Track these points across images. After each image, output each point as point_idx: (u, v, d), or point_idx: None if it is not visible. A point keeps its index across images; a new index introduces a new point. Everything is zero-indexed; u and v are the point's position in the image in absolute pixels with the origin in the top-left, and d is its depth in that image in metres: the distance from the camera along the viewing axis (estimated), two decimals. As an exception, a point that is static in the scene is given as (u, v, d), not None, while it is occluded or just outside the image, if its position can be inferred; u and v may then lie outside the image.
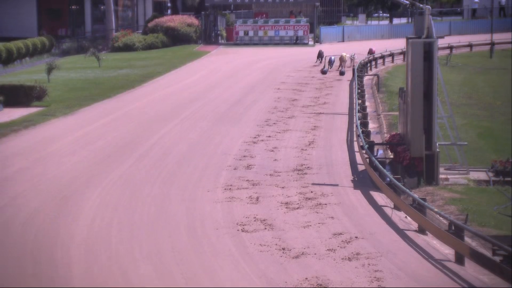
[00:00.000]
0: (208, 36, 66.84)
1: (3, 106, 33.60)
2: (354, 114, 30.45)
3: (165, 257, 15.93)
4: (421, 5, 25.10)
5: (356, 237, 17.24)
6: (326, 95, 38.31)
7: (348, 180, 22.66)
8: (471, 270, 15.38)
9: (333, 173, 23.30)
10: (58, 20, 67.18)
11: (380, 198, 20.70)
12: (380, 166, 21.62)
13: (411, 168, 23.03)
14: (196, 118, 31.74)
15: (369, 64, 48.53)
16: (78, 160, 24.45)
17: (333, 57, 47.55)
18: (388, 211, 19.43)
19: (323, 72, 44.88)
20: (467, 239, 16.29)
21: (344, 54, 47.42)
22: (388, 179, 20.36)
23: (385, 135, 28.87)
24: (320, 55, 50.31)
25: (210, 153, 25.57)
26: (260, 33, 65.21)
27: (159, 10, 79.04)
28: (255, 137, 27.98)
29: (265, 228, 17.85)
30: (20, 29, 63.02)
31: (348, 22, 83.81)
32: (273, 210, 19.36)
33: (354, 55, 48.43)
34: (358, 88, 35.88)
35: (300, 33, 65.31)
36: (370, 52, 50.68)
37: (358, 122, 27.40)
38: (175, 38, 64.49)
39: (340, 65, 46.67)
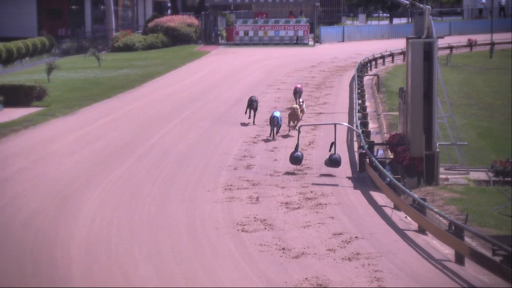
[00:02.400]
0: (208, 36, 66.84)
1: (3, 106, 33.60)
2: (354, 114, 30.45)
3: (165, 257, 15.93)
4: (421, 5, 25.10)
5: (356, 237, 17.25)
6: (326, 95, 38.30)
7: (348, 180, 22.66)
8: (471, 270, 15.38)
9: (333, 173, 23.29)
10: (58, 20, 67.18)
11: (380, 198, 20.70)
12: (380, 166, 21.62)
13: (411, 168, 23.03)
14: (196, 118, 31.74)
15: (369, 64, 48.53)
16: (78, 160, 24.45)
17: (278, 114, 28.17)
18: (388, 211, 19.43)
19: (295, 159, 23.88)
20: (467, 239, 16.29)
21: (295, 105, 29.13)
22: (388, 179, 20.36)
23: (385, 135, 28.86)
24: (250, 105, 30.76)
25: (210, 153, 25.57)
26: (260, 33, 65.22)
27: (159, 10, 79.05)
28: (255, 137, 27.97)
29: (265, 228, 17.85)
30: (20, 29, 63.01)
31: (348, 22, 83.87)
32: (273, 210, 19.36)
33: (303, 102, 30.72)
34: (358, 88, 35.87)
35: (300, 33, 65.31)
36: (296, 91, 33.01)
37: (358, 122, 27.39)
38: (175, 38, 64.50)
39: (290, 124, 29.07)
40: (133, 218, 18.62)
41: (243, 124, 30.60)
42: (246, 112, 30.93)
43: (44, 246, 16.58)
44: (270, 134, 28.17)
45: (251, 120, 30.69)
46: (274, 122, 27.98)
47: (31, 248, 16.47)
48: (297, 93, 33.18)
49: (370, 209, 19.71)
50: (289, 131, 28.75)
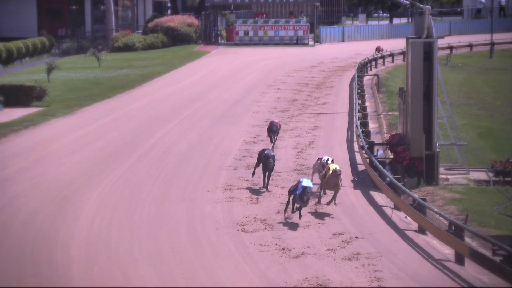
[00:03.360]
0: (208, 36, 66.84)
1: (3, 106, 33.59)
2: (354, 114, 30.45)
3: (165, 257, 15.93)
4: (421, 5, 25.09)
5: (356, 237, 17.26)
6: (326, 95, 38.30)
7: (348, 180, 22.65)
8: (471, 270, 15.39)
9: (333, 173, 23.25)
10: (58, 20, 67.17)
11: (380, 198, 20.69)
12: (380, 166, 21.61)
13: (411, 168, 23.03)
14: (196, 118, 31.73)
15: (369, 64, 48.52)
16: (78, 160, 24.45)
17: (309, 183, 18.22)
18: (388, 211, 19.42)
19: None
20: (467, 239, 16.30)
21: (335, 165, 19.67)
22: (388, 179, 20.35)
23: (385, 135, 28.87)
24: (265, 164, 21.03)
25: (210, 153, 25.56)
26: (260, 33, 65.22)
27: (159, 10, 79.04)
28: (255, 137, 27.96)
29: (265, 228, 17.85)
30: (20, 29, 62.99)
31: (348, 22, 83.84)
32: (273, 210, 19.34)
33: (329, 160, 20.68)
34: (358, 88, 35.87)
35: (300, 33, 65.31)
36: (271, 128, 25.74)
37: (358, 122, 27.39)
38: (175, 38, 64.49)
39: (326, 193, 20.15)
40: (133, 218, 18.62)
41: (252, 190, 21.18)
42: (254, 173, 21.71)
43: (44, 247, 16.58)
44: (285, 210, 18.63)
45: (262, 183, 21.28)
46: (303, 198, 18.01)
47: (31, 249, 16.47)
48: (272, 128, 25.74)
49: (370, 209, 19.71)
50: (319, 203, 19.68)
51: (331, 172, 19.24)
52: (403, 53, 50.16)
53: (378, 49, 51.68)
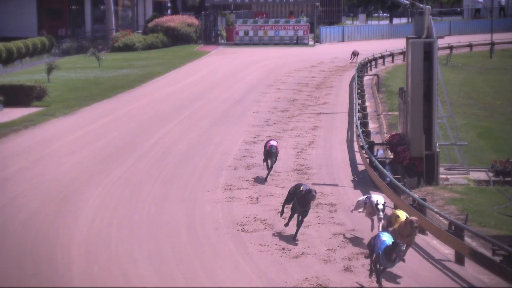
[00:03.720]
0: (208, 36, 66.84)
1: (3, 106, 33.59)
2: (354, 114, 30.45)
3: (165, 257, 15.93)
4: (421, 5, 25.09)
5: (356, 237, 17.25)
6: (326, 95, 38.30)
7: (348, 180, 22.65)
8: (471, 270, 15.40)
9: (333, 173, 23.29)
10: (58, 20, 67.16)
11: (380, 198, 20.67)
12: (380, 166, 21.61)
13: (411, 168, 23.04)
14: (196, 118, 31.72)
15: (369, 64, 48.52)
16: (78, 160, 24.44)
17: (388, 237, 14.41)
18: (388, 211, 19.40)
19: None
20: (467, 239, 16.31)
21: (404, 215, 16.09)
22: (388, 179, 20.35)
23: (385, 135, 28.87)
24: (304, 204, 17.20)
25: (210, 153, 25.57)
26: (260, 33, 65.21)
27: (159, 10, 79.03)
28: (255, 137, 27.96)
29: (265, 228, 17.85)
30: (20, 29, 62.98)
31: (348, 22, 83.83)
32: (273, 210, 19.34)
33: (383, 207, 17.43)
34: (358, 88, 35.87)
35: (300, 33, 65.30)
36: (270, 151, 21.64)
37: (358, 122, 27.39)
38: (175, 38, 64.49)
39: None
40: (133, 218, 18.62)
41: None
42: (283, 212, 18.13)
43: (44, 247, 16.58)
44: (371, 274, 14.63)
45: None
46: (391, 257, 14.14)
47: (31, 249, 16.47)
48: (271, 151, 21.85)
49: (370, 209, 19.68)
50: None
51: (403, 222, 15.46)
52: (403, 53, 50.16)
53: (354, 53, 51.10)
